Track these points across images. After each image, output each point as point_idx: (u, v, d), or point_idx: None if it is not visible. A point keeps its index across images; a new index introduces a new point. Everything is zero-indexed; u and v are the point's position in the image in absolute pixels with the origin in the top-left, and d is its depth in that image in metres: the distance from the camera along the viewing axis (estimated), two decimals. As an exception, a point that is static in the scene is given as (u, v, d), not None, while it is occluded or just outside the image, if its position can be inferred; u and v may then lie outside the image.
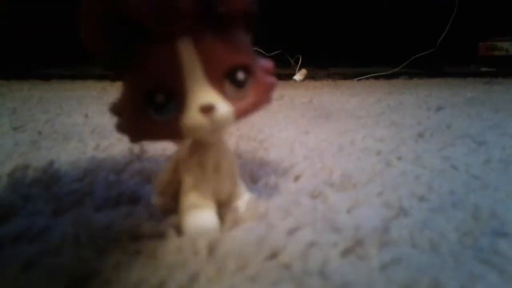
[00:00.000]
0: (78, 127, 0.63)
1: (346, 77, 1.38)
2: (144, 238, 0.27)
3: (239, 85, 0.25)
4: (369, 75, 1.37)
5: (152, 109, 0.24)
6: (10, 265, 0.23)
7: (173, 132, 0.24)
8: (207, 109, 0.23)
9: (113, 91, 0.99)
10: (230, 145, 0.46)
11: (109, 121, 0.66)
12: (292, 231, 0.27)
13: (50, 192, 0.35)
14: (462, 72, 1.43)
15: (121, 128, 0.26)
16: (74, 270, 0.23)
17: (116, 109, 0.25)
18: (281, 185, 0.37)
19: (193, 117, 0.23)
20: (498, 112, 0.74)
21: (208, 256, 0.25)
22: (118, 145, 0.50)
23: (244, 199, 0.30)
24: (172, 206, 0.30)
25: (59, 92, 1.06)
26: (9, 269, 0.23)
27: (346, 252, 0.25)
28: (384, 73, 1.39)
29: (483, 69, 1.53)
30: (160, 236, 0.27)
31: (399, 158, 0.45)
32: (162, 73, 0.23)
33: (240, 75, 0.24)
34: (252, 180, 0.38)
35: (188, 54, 0.23)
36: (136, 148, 0.48)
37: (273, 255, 0.24)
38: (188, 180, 0.28)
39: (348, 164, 0.43)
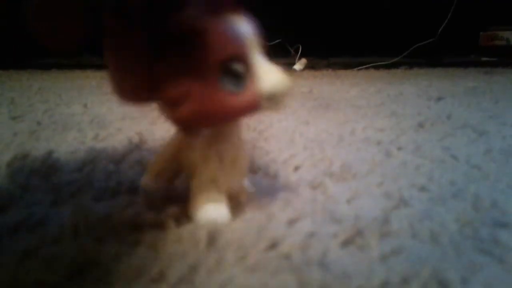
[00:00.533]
0: (77, 117, 0.62)
1: (346, 67, 1.38)
2: (143, 228, 0.27)
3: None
4: (369, 65, 1.37)
5: (227, 81, 0.23)
6: (9, 255, 0.23)
7: (251, 101, 0.24)
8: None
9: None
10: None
11: (108, 111, 0.66)
12: (292, 222, 0.27)
13: (49, 182, 0.34)
14: (463, 62, 1.42)
15: (193, 111, 0.24)
16: (73, 260, 0.23)
17: (182, 94, 0.24)
18: (281, 175, 0.36)
19: (277, 76, 0.24)
20: (498, 102, 0.74)
21: (208, 247, 0.25)
22: (117, 135, 0.50)
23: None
24: (162, 190, 0.30)
25: (58, 82, 1.05)
26: (8, 259, 0.23)
27: (346, 243, 0.25)
28: (384, 63, 1.39)
29: (484, 59, 1.53)
30: (160, 226, 0.27)
31: (399, 149, 0.45)
32: (235, 42, 0.23)
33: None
34: (252, 170, 0.38)
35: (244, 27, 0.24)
36: (135, 138, 0.48)
37: (273, 246, 0.24)
38: (205, 171, 0.27)
39: (348, 154, 0.43)
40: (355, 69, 1.34)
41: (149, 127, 0.54)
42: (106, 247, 0.24)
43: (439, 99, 0.78)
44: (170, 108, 0.24)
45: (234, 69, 0.23)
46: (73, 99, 0.78)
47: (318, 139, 0.49)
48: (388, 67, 1.37)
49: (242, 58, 0.24)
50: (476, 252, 0.24)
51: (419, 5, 1.49)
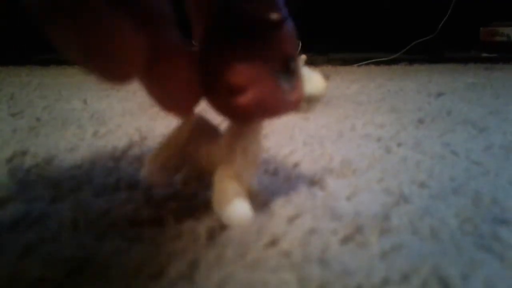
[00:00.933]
0: (77, 113, 0.62)
1: (346, 63, 1.37)
2: (143, 224, 0.27)
3: None
4: (369, 61, 1.36)
5: (284, 77, 0.24)
6: (8, 251, 0.23)
7: (297, 101, 0.25)
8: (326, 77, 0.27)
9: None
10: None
11: (108, 107, 0.66)
12: (291, 218, 0.27)
13: (48, 179, 0.34)
14: (463, 57, 1.42)
15: (254, 100, 0.23)
16: (73, 256, 0.23)
17: (247, 81, 0.23)
18: (281, 171, 0.36)
19: (318, 80, 0.26)
20: (499, 98, 0.74)
21: (208, 243, 0.24)
22: (117, 131, 0.50)
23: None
24: (163, 182, 0.29)
25: (57, 78, 1.05)
26: (7, 256, 0.23)
27: (346, 239, 0.25)
28: (384, 58, 1.38)
29: (484, 54, 1.52)
30: (160, 222, 0.27)
31: (399, 145, 0.45)
32: (295, 41, 0.24)
33: None
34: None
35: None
36: (135, 134, 0.48)
37: (273, 243, 0.24)
38: (232, 167, 0.26)
39: (348, 150, 0.43)
40: (355, 65, 1.34)
41: (149, 123, 0.54)
42: (106, 243, 0.24)
43: (440, 95, 0.78)
44: (228, 96, 0.23)
45: (292, 67, 0.24)
46: (72, 95, 0.78)
47: (318, 135, 0.49)
48: (388, 63, 1.37)
49: (295, 57, 0.24)
50: (477, 248, 0.24)
51: (419, 1, 1.48)
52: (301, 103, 0.26)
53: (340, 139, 0.48)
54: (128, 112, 0.62)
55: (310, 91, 0.26)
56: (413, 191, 0.32)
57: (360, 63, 1.35)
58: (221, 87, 0.23)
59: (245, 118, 0.25)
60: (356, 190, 0.32)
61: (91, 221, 0.27)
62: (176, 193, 0.31)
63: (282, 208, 0.29)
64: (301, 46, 1.44)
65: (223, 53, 0.23)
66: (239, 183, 0.27)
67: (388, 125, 0.54)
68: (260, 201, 0.30)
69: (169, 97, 0.24)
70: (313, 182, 0.34)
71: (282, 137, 0.48)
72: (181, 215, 0.27)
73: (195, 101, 0.25)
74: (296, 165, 0.38)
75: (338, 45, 1.57)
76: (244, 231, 0.25)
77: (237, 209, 0.26)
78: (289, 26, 0.24)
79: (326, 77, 0.27)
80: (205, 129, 0.29)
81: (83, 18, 0.16)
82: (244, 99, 0.23)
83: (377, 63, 1.36)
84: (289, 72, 0.24)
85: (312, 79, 0.27)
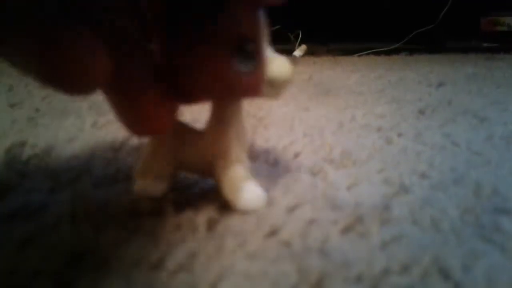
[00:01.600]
0: (76, 103, 0.62)
1: (346, 53, 1.37)
2: (142, 215, 0.27)
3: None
4: (369, 51, 1.36)
5: (240, 60, 0.23)
6: (6, 243, 0.23)
7: (256, 85, 0.24)
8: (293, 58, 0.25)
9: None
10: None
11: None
12: (291, 209, 0.27)
13: (47, 169, 0.34)
14: (464, 47, 1.41)
15: (206, 84, 0.24)
16: (72, 247, 0.23)
17: (195, 62, 0.23)
18: (281, 162, 0.36)
19: (282, 63, 0.25)
20: (499, 88, 0.73)
21: (207, 233, 0.24)
22: (116, 122, 0.50)
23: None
24: (154, 189, 0.28)
25: (56, 68, 1.04)
26: (5, 247, 0.23)
27: (346, 230, 0.25)
28: (385, 49, 1.38)
29: (485, 44, 1.52)
30: (159, 213, 0.27)
31: (399, 135, 0.45)
32: (254, 23, 0.23)
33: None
34: (252, 157, 0.37)
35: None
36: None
37: (273, 233, 0.24)
38: (232, 154, 0.27)
39: (348, 141, 0.43)
40: (355, 55, 1.33)
41: (148, 113, 0.54)
42: (105, 234, 0.24)
43: (440, 85, 0.77)
44: (179, 78, 0.24)
45: (248, 50, 0.23)
46: (71, 85, 0.78)
47: (318, 126, 0.49)
48: (388, 53, 1.36)
49: (256, 40, 0.24)
50: (478, 239, 0.24)
51: (420, -10, 1.47)
52: (261, 87, 0.25)
53: (340, 129, 0.48)
54: (127, 102, 0.62)
55: (273, 75, 0.25)
56: (414, 182, 0.32)
57: (360, 53, 1.34)
58: (170, 68, 0.24)
59: (195, 98, 0.25)
60: (356, 180, 0.32)
61: (90, 212, 0.27)
62: (175, 184, 0.31)
63: (282, 198, 0.28)
64: (301, 36, 1.44)
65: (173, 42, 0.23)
66: (243, 167, 0.27)
67: (389, 115, 0.54)
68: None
69: (139, 117, 0.24)
70: (313, 172, 0.34)
71: (282, 128, 0.48)
72: (180, 206, 0.27)
73: (169, 115, 0.24)
74: (296, 155, 0.38)
75: (338, 35, 1.56)
76: (243, 221, 0.25)
77: (251, 193, 0.26)
78: (246, 6, 0.23)
79: (294, 62, 0.26)
80: (185, 130, 0.29)
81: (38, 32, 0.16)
82: (192, 79, 0.23)
83: (378, 53, 1.35)
84: (246, 54, 0.24)
85: (276, 63, 0.25)
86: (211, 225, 0.25)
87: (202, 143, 0.28)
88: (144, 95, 0.23)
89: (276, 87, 0.26)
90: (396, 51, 1.38)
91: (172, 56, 0.23)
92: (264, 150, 0.39)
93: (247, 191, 0.27)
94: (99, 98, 0.64)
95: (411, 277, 0.21)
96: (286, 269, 0.21)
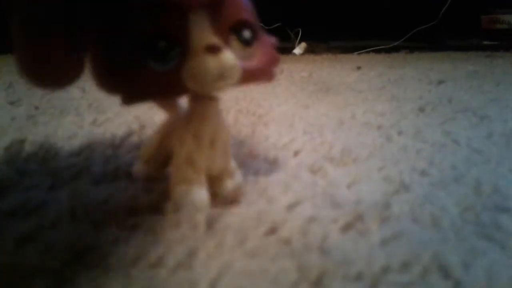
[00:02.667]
0: (75, 101, 0.62)
1: (346, 50, 1.37)
2: (142, 212, 0.27)
3: (246, 43, 0.24)
4: (369, 49, 1.36)
5: (152, 58, 0.22)
6: (6, 240, 0.23)
7: (176, 83, 0.23)
8: (214, 48, 0.22)
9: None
10: (227, 121, 0.46)
11: (107, 95, 0.65)
12: (292, 206, 0.27)
13: (46, 167, 0.34)
14: (464, 45, 1.41)
15: (115, 86, 0.24)
16: (71, 244, 0.23)
17: (106, 65, 0.23)
18: (281, 160, 0.36)
19: (200, 59, 0.22)
20: (499, 86, 0.73)
21: (207, 231, 0.24)
22: (116, 120, 0.50)
23: (233, 180, 0.29)
24: (154, 175, 0.30)
25: (56, 66, 1.04)
26: (5, 244, 0.23)
27: (346, 228, 0.25)
28: (385, 46, 1.37)
29: (485, 42, 1.52)
30: (158, 210, 0.27)
31: (400, 133, 0.45)
32: (165, 18, 0.22)
33: (247, 33, 0.24)
34: (252, 155, 0.37)
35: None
36: (133, 122, 0.48)
37: (273, 230, 0.24)
38: (182, 152, 0.27)
39: (348, 138, 0.42)
40: (355, 53, 1.33)
41: (148, 111, 0.54)
42: (104, 231, 0.24)
43: (440, 82, 0.77)
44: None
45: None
46: (71, 83, 0.78)
47: (318, 124, 0.49)
48: (388, 51, 1.36)
49: (171, 38, 0.22)
50: (477, 236, 0.24)
51: (420, -12, 1.47)
52: (181, 85, 0.23)
53: (340, 127, 0.47)
54: (127, 100, 0.61)
55: (196, 71, 0.23)
56: (414, 179, 0.32)
57: (361, 51, 1.34)
58: None
59: (123, 100, 0.24)
60: (357, 178, 0.32)
61: (89, 209, 0.27)
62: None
63: (282, 196, 0.28)
64: (301, 34, 1.44)
65: None
66: (192, 167, 0.26)
67: (389, 113, 0.54)
68: (260, 188, 0.29)
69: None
70: (313, 170, 0.34)
71: (282, 126, 0.48)
72: (179, 203, 0.27)
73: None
74: (296, 153, 0.38)
75: (338, 33, 1.56)
76: (243, 219, 0.25)
77: (186, 194, 0.26)
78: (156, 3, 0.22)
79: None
80: (178, 122, 0.28)
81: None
82: (107, 82, 0.24)
83: (378, 51, 1.35)
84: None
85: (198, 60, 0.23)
86: (210, 223, 0.25)
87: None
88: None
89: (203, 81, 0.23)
90: (396, 49, 1.38)
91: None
92: (264, 148, 0.39)
93: (182, 193, 0.26)
94: (98, 96, 0.64)
95: (411, 274, 0.21)
96: (286, 267, 0.21)
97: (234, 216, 0.26)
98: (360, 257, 0.22)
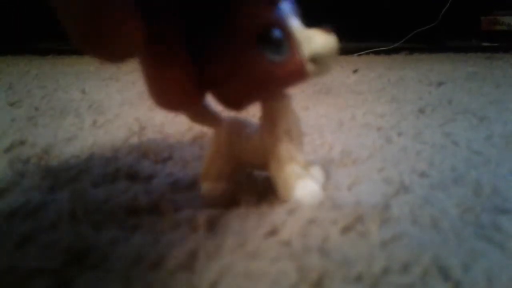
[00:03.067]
0: (75, 102, 0.62)
1: (346, 52, 1.36)
2: (142, 214, 0.27)
3: None
4: (369, 50, 1.36)
5: (268, 50, 0.23)
6: (6, 241, 0.23)
7: (296, 68, 0.24)
8: (327, 29, 0.24)
9: (110, 66, 0.98)
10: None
11: (107, 96, 0.65)
12: (291, 208, 0.27)
13: (46, 168, 0.34)
14: (464, 46, 1.41)
15: (240, 88, 0.24)
16: (71, 245, 0.23)
17: (226, 72, 0.24)
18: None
19: (321, 40, 0.24)
20: (499, 87, 0.73)
21: (207, 233, 0.24)
22: (116, 121, 0.50)
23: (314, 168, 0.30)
24: (221, 191, 0.29)
25: (56, 67, 1.04)
26: (5, 245, 0.23)
27: (346, 229, 0.25)
28: (384, 48, 1.38)
29: (485, 43, 1.52)
30: (158, 212, 0.27)
31: (399, 134, 0.45)
32: (268, 10, 0.23)
33: None
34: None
35: None
36: (133, 124, 0.48)
37: (273, 232, 0.24)
38: (283, 152, 0.27)
39: (348, 140, 0.42)
40: (355, 54, 1.33)
41: (148, 113, 0.54)
42: (104, 233, 0.24)
43: (440, 84, 0.77)
44: (218, 91, 0.24)
45: (272, 37, 0.23)
46: (71, 84, 0.78)
47: (318, 125, 0.49)
48: (388, 52, 1.36)
49: (278, 25, 0.23)
50: (477, 238, 0.24)
51: (420, -11, 1.47)
52: (303, 68, 0.24)
53: (340, 128, 0.47)
54: (127, 102, 0.62)
55: (313, 51, 0.24)
56: (414, 181, 0.32)
57: (360, 53, 1.34)
58: (209, 86, 0.24)
59: (241, 106, 0.25)
60: (356, 179, 0.32)
61: (89, 210, 0.27)
62: (175, 182, 0.31)
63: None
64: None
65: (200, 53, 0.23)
66: (296, 164, 0.27)
67: (389, 114, 0.54)
68: (260, 190, 0.29)
69: (163, 88, 0.24)
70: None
71: (281, 127, 0.48)
72: (180, 205, 0.27)
73: (188, 98, 0.24)
74: (296, 154, 0.38)
75: (338, 34, 1.56)
76: (243, 220, 0.25)
77: (303, 190, 0.27)
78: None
79: (329, 31, 0.25)
80: (240, 128, 0.29)
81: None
82: (229, 89, 0.24)
83: (377, 53, 1.35)
84: (274, 42, 0.23)
85: (313, 39, 0.24)
86: (211, 224, 0.25)
87: (257, 140, 0.28)
88: (174, 61, 0.23)
89: (320, 63, 0.25)
90: (396, 50, 1.38)
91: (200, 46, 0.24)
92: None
93: (300, 188, 0.27)
94: (98, 97, 0.64)
95: (411, 276, 0.21)
96: (286, 268, 0.21)
97: (234, 218, 0.26)
98: (360, 259, 0.22)
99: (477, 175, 0.33)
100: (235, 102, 0.25)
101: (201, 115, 0.28)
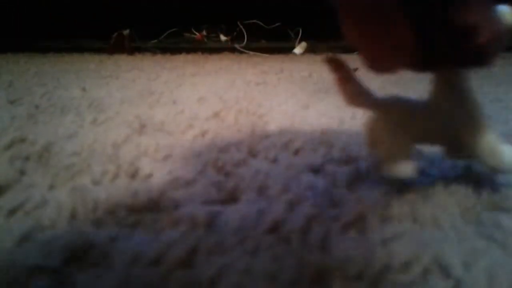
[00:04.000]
0: (76, 100, 0.62)
1: (346, 50, 1.37)
2: (142, 211, 0.27)
3: None
4: (369, 49, 1.35)
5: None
6: (6, 238, 0.23)
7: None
8: None
9: (111, 64, 0.98)
10: (228, 121, 0.46)
11: (107, 94, 0.65)
12: (292, 205, 0.27)
13: (47, 166, 0.34)
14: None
15: (489, 37, 0.27)
16: (71, 243, 0.23)
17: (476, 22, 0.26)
18: (281, 159, 0.36)
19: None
20: (499, 86, 0.73)
21: (207, 229, 0.24)
22: (116, 119, 0.50)
23: None
24: (404, 170, 0.29)
25: (56, 65, 1.04)
26: (5, 243, 0.23)
27: (346, 227, 0.25)
28: (385, 46, 1.37)
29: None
30: (158, 209, 0.27)
31: (400, 132, 0.44)
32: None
33: None
34: (252, 154, 0.37)
35: None
36: (133, 121, 0.48)
37: (273, 229, 0.24)
38: (480, 118, 0.30)
39: (349, 138, 0.42)
40: (355, 53, 1.33)
41: (148, 111, 0.54)
42: (104, 230, 0.24)
43: (440, 83, 0.77)
44: (459, 41, 0.27)
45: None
46: (71, 82, 0.78)
47: (318, 123, 0.49)
48: (388, 51, 1.36)
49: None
50: (478, 236, 0.24)
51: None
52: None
53: (340, 126, 0.47)
54: (127, 100, 0.61)
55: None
56: (414, 179, 0.32)
57: (361, 51, 1.34)
58: (456, 33, 0.26)
59: (483, 59, 0.29)
60: (357, 177, 0.32)
61: (89, 208, 0.27)
62: (174, 180, 0.31)
63: (282, 194, 0.28)
64: (302, 33, 1.44)
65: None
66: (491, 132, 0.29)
67: (389, 113, 0.54)
68: (260, 187, 0.29)
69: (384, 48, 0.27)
70: (314, 169, 0.34)
71: (282, 125, 0.48)
72: (180, 201, 0.27)
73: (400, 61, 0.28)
74: (296, 152, 0.38)
75: (339, 33, 1.56)
76: (244, 217, 0.25)
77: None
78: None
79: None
80: (408, 107, 0.32)
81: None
82: (479, 38, 0.27)
83: (378, 51, 1.35)
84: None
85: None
86: (211, 221, 0.25)
87: (437, 115, 0.31)
88: (393, 26, 0.26)
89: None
90: (396, 49, 1.38)
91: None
92: (265, 147, 0.39)
93: (508, 152, 0.29)
94: (98, 95, 0.64)
95: (411, 274, 0.21)
96: (286, 265, 0.21)
97: (234, 215, 0.26)
98: (360, 257, 0.22)
99: (478, 173, 0.33)
100: (484, 50, 0.28)
101: (361, 95, 0.32)
